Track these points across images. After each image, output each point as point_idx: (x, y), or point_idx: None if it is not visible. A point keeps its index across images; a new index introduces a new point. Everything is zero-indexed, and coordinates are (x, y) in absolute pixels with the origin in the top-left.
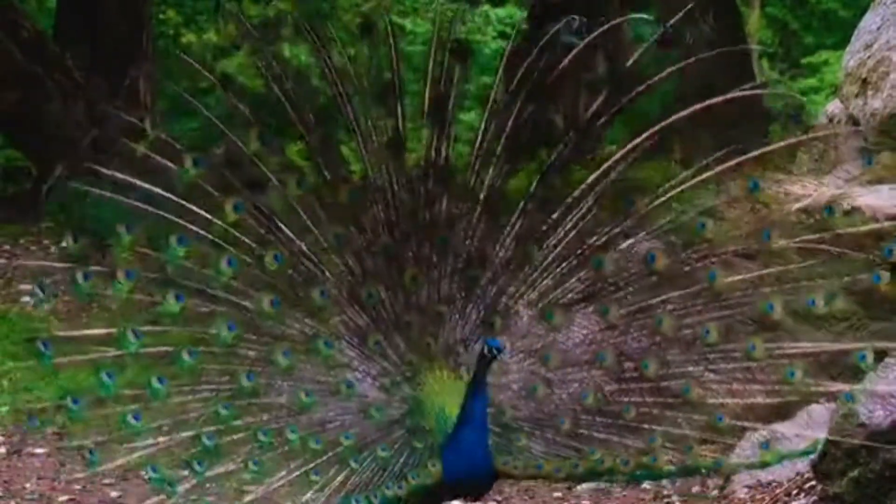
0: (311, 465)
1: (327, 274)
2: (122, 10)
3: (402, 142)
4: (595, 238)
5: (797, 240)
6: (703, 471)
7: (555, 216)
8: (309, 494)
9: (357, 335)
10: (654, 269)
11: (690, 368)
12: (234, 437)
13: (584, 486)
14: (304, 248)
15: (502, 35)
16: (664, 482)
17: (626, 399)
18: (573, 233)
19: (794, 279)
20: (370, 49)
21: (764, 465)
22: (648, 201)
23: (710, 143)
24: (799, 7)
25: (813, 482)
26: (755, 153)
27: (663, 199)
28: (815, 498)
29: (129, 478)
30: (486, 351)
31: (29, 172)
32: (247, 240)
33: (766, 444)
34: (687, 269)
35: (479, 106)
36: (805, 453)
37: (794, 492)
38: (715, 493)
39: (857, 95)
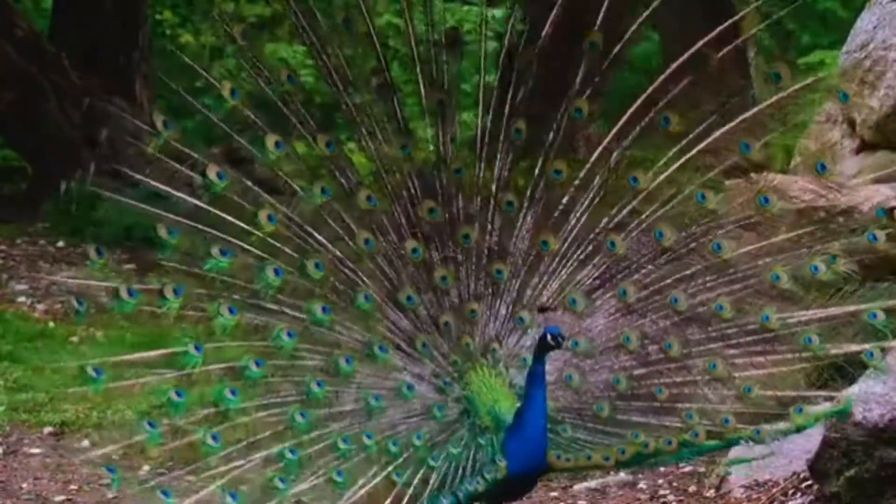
0: (392, 467)
1: (366, 280)
2: (118, 11)
3: (411, 142)
4: (606, 220)
5: (794, 202)
6: (744, 441)
7: (565, 201)
8: (389, 500)
9: (404, 339)
10: (665, 247)
11: (712, 345)
12: (316, 447)
13: (581, 486)
14: (340, 254)
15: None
16: (660, 481)
17: (656, 381)
18: (584, 217)
19: (794, 245)
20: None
21: (799, 429)
22: (652, 176)
23: (701, 112)
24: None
25: (809, 482)
26: (745, 116)
27: (665, 173)
28: (811, 497)
29: (126, 477)
30: (548, 339)
31: (25, 172)
32: (287, 249)
33: (799, 409)
34: (693, 244)
35: (475, 105)
36: (837, 413)
37: (791, 491)
38: (711, 492)
39: (853, 95)
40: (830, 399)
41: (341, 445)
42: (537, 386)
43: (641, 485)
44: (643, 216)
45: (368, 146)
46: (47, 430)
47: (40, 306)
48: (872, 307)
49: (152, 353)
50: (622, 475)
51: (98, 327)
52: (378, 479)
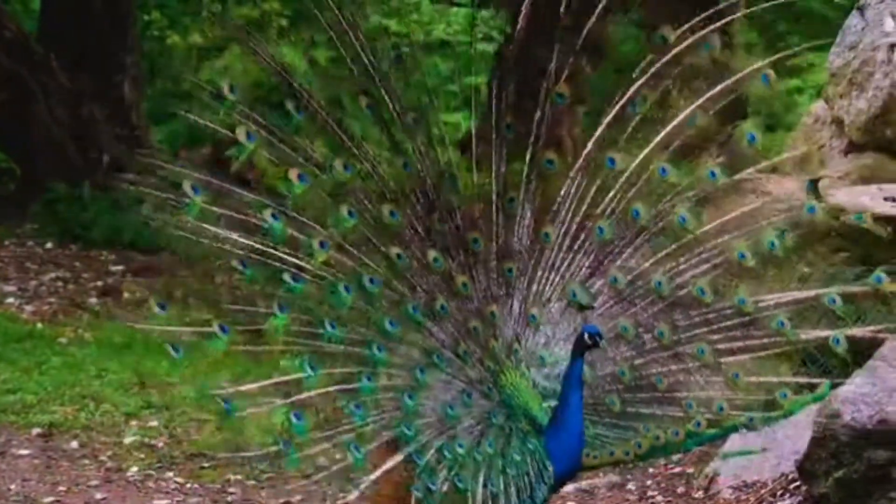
0: (482, 478)
1: (408, 293)
2: (107, 12)
3: (408, 158)
4: (593, 207)
5: (747, 172)
6: (740, 428)
7: (560, 192)
8: None
9: (449, 347)
10: (641, 226)
11: (697, 331)
12: (430, 450)
13: (570, 487)
14: (382, 270)
15: (488, 38)
16: (649, 482)
17: (654, 370)
18: (574, 206)
19: (750, 220)
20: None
21: (788, 414)
22: (626, 156)
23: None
24: (784, 8)
25: (798, 483)
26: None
27: (640, 154)
28: (799, 498)
29: (114, 479)
30: (586, 338)
31: (13, 174)
32: (340, 271)
33: (784, 394)
34: (662, 222)
35: (466, 106)
36: (819, 398)
37: (780, 492)
38: (700, 493)
39: (841, 96)
40: (812, 387)
41: (447, 454)
42: (575, 386)
43: (630, 486)
44: (620, 197)
45: (374, 167)
46: (35, 431)
47: (28, 307)
48: (830, 292)
49: (268, 382)
50: (611, 476)
51: (86, 329)
52: (482, 489)
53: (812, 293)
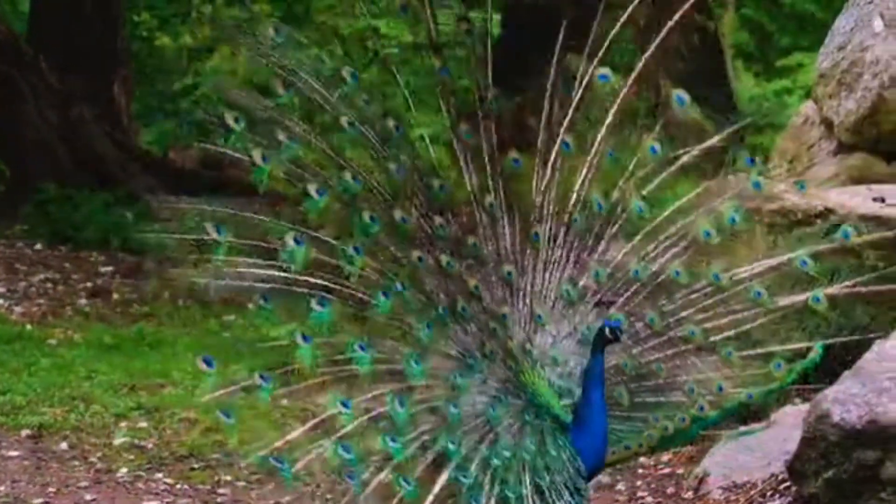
0: (528, 478)
1: (432, 295)
2: (96, 13)
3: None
4: (565, 199)
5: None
6: (741, 407)
7: (535, 189)
8: None
9: (477, 348)
10: (605, 216)
11: (683, 314)
12: (474, 462)
13: None
14: (408, 274)
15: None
16: (639, 482)
17: (653, 357)
18: (551, 201)
19: (705, 199)
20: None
21: (784, 385)
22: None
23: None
24: (774, 9)
25: (788, 483)
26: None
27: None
28: (789, 499)
29: (104, 480)
30: (607, 333)
31: (3, 175)
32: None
33: (778, 365)
34: (623, 211)
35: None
36: (812, 363)
37: (769, 493)
38: (689, 494)
39: (830, 96)
40: (804, 354)
41: (496, 461)
42: (597, 382)
43: (620, 486)
44: (582, 183)
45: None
46: (25, 432)
47: (18, 308)
48: (800, 254)
49: (304, 428)
50: (601, 477)
51: (76, 330)
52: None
53: (784, 258)
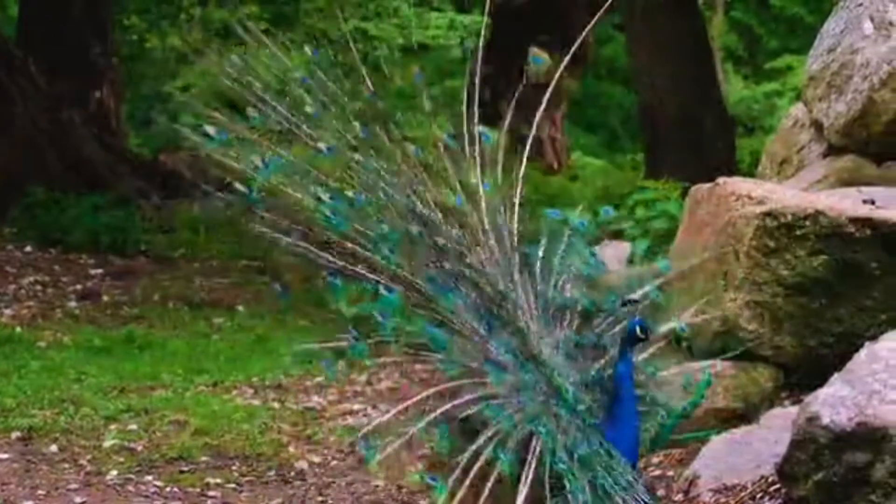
0: (578, 471)
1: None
2: (86, 17)
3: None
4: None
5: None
6: (688, 413)
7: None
8: None
9: (520, 350)
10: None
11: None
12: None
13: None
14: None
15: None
16: None
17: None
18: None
19: None
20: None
21: (699, 399)
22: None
23: None
24: (764, 11)
25: (778, 485)
26: None
27: None
28: (779, 501)
29: (94, 483)
30: (637, 332)
31: None
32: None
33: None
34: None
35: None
36: (706, 383)
37: (759, 495)
38: (680, 496)
39: (820, 99)
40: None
41: (561, 466)
42: (628, 381)
43: None
44: None
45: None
46: (15, 434)
47: (7, 311)
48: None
49: (401, 406)
50: None
51: (66, 332)
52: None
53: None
